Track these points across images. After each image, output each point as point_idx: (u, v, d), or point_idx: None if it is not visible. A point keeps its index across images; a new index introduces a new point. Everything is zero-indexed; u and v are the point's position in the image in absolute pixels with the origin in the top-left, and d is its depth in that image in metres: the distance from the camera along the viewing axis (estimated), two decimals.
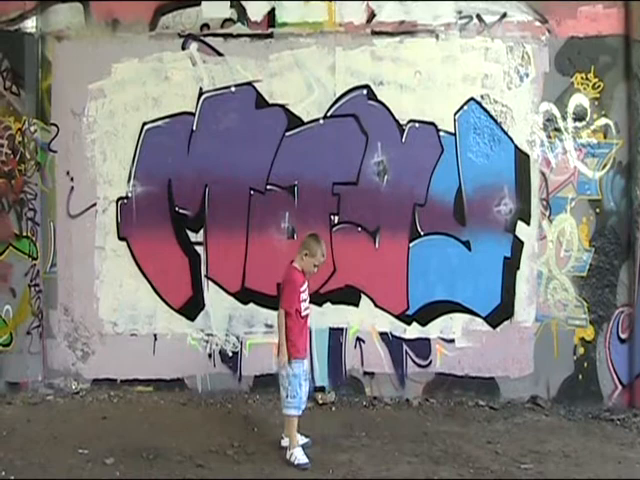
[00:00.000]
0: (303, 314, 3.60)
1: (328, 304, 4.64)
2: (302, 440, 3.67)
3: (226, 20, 4.64)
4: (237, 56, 4.63)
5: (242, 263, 4.64)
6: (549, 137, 4.60)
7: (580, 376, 4.59)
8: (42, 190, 4.72)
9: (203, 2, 4.64)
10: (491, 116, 4.62)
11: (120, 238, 4.69)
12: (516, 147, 4.63)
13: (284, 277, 3.64)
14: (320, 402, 4.46)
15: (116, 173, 4.68)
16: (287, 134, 4.62)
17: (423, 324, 4.68)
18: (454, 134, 4.62)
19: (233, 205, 4.64)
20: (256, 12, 4.64)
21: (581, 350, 4.59)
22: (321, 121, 4.62)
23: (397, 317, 4.69)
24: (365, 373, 4.69)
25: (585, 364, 4.59)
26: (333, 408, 4.49)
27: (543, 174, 4.60)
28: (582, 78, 4.56)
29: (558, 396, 4.61)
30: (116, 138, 4.67)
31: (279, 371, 3.64)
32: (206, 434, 3.95)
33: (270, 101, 4.64)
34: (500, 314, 4.67)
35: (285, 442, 3.66)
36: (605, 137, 4.56)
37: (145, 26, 4.64)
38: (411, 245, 4.64)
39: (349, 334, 4.68)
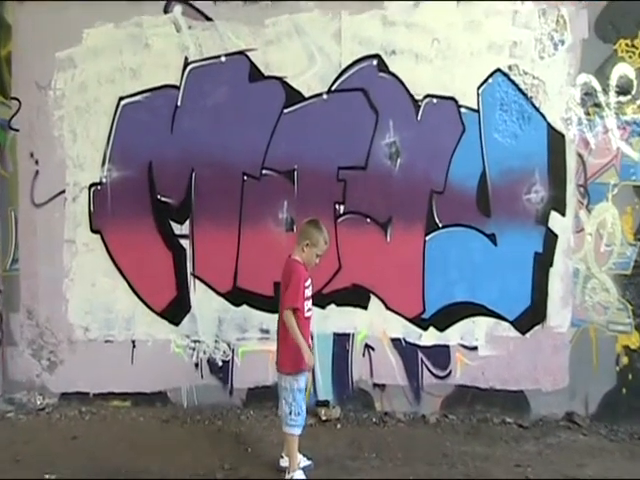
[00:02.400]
0: (306, 315, 3.54)
1: (332, 306, 4.58)
2: (303, 462, 3.62)
3: None
4: (228, 21, 4.57)
5: (234, 259, 4.56)
6: (587, 114, 4.53)
7: (623, 390, 4.54)
8: (1, 175, 4.65)
9: None
10: (520, 90, 4.56)
11: (93, 230, 4.62)
12: (549, 125, 4.57)
13: (286, 272, 3.57)
14: (324, 418, 4.41)
15: (88, 155, 4.60)
16: (285, 111, 4.57)
17: (441, 329, 4.63)
18: (477, 111, 4.57)
19: (223, 192, 4.59)
20: None
21: (624, 360, 4.54)
22: (324, 96, 4.57)
23: (411, 321, 4.63)
24: (375, 385, 4.65)
25: (629, 376, 4.53)
26: (338, 425, 4.44)
27: (580, 156, 4.54)
28: (627, 45, 4.49)
29: (598, 413, 4.56)
30: (88, 115, 4.59)
31: (281, 384, 3.57)
32: (192, 455, 3.91)
33: (266, 73, 4.59)
34: (530, 318, 4.61)
35: (284, 463, 3.61)
36: None
37: None
38: (428, 238, 4.59)
39: (356, 340, 4.64)
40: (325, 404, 4.55)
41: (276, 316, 3.70)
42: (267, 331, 4.51)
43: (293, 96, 4.58)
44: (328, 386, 4.60)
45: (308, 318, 3.55)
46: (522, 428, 4.47)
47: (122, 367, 4.64)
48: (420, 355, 4.63)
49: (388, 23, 4.52)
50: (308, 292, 3.54)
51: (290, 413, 3.55)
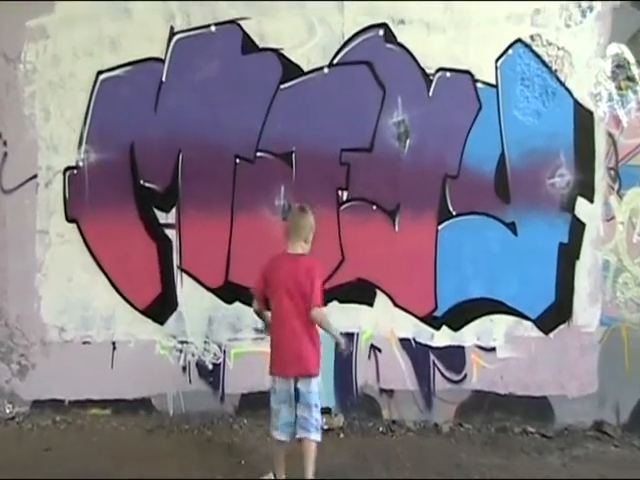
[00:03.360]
0: None
1: (334, 303, 4.49)
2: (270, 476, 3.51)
3: None
4: None
5: (225, 251, 4.48)
6: (619, 88, 4.46)
7: None
8: None
9: None
10: (543, 62, 4.53)
11: (69, 219, 4.50)
12: (576, 102, 4.55)
13: (310, 270, 3.43)
14: (325, 427, 4.27)
15: (63, 136, 4.48)
16: (282, 87, 4.48)
17: (455, 328, 4.58)
18: (495, 86, 4.51)
19: (214, 177, 4.51)
20: None
21: None
22: (325, 70, 4.49)
23: (422, 319, 4.58)
24: (382, 390, 4.59)
25: None
26: (341, 435, 4.37)
27: (611, 136, 4.48)
28: None
29: (630, 422, 4.52)
30: (63, 91, 4.46)
31: (308, 389, 3.43)
32: (179, 468, 3.83)
33: (261, 45, 4.51)
34: (554, 316, 4.58)
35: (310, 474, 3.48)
36: None
37: None
38: (440, 228, 4.54)
39: (361, 341, 4.58)
40: (327, 412, 4.43)
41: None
42: (262, 331, 4.31)
43: (291, 70, 4.50)
44: (330, 392, 4.51)
45: None
46: (545, 438, 4.41)
47: (101, 371, 4.54)
48: (432, 357, 4.57)
49: None
50: None
51: (319, 419, 3.52)
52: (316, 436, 3.53)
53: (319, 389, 3.51)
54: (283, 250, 3.53)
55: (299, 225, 3.52)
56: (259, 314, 3.57)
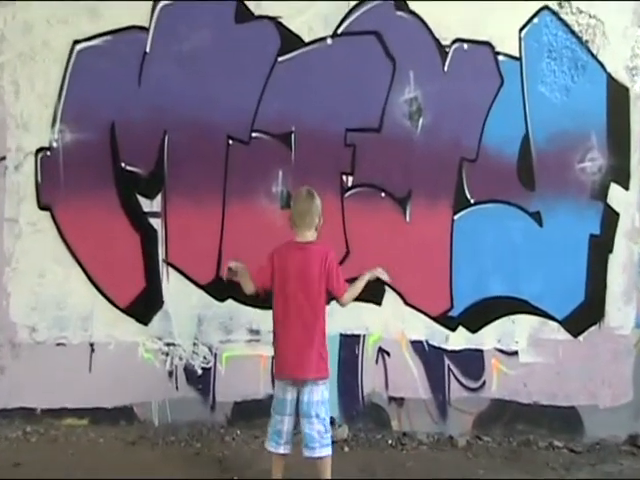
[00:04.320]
0: None
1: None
2: None
3: None
4: None
5: (216, 243, 4.39)
6: None
7: None
8: None
9: None
10: (573, 32, 4.40)
11: (41, 207, 4.35)
12: (609, 76, 4.42)
13: (325, 259, 3.39)
14: None
15: (35, 113, 4.33)
16: (280, 59, 4.36)
17: (473, 330, 4.48)
18: (519, 59, 4.38)
19: (203, 160, 4.39)
20: None
21: None
22: (329, 41, 4.36)
23: (436, 320, 4.48)
24: (391, 399, 4.50)
25: None
26: (346, 448, 4.26)
27: None
28: None
29: None
30: (34, 63, 4.30)
31: (311, 398, 3.34)
32: None
33: (256, 12, 4.38)
34: (584, 317, 4.48)
35: None
36: None
37: None
38: (456, 218, 4.43)
39: (368, 344, 4.49)
40: (330, 422, 3.97)
41: (269, 313, 3.49)
42: (257, 332, 4.34)
43: (290, 41, 4.37)
44: (333, 400, 4.31)
45: None
46: (574, 453, 4.29)
47: (77, 376, 4.43)
48: (447, 362, 4.48)
49: None
50: None
51: (326, 431, 3.41)
52: (323, 451, 3.40)
53: (328, 394, 3.44)
54: (291, 239, 3.44)
55: (308, 212, 3.43)
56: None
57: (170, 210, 4.39)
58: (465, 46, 4.37)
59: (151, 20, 4.31)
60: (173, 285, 4.41)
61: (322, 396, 3.41)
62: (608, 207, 4.43)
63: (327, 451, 3.44)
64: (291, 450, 3.44)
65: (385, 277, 3.63)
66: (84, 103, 4.35)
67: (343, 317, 4.36)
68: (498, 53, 4.38)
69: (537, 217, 4.42)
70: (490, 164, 4.40)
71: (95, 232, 4.40)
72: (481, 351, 4.47)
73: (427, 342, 4.48)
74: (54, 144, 4.34)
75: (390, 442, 4.37)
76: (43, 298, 4.41)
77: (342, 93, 4.37)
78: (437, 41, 4.38)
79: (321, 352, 3.42)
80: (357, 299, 4.20)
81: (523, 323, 4.47)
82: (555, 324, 4.46)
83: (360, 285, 3.51)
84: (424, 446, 4.34)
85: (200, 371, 4.45)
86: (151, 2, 4.33)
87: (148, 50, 4.30)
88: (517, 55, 4.39)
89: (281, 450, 3.43)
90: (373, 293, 4.42)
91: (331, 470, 3.56)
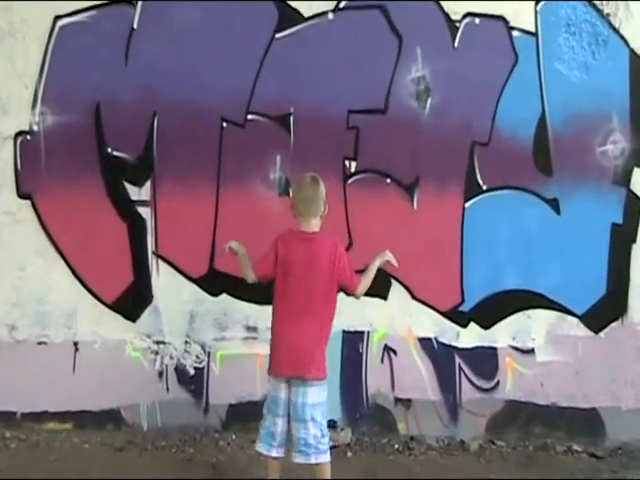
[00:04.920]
0: None
1: (341, 295, 3.95)
2: None
3: None
4: None
5: (210, 233, 4.31)
6: None
7: None
8: None
9: None
10: (593, 5, 4.32)
11: (21, 195, 4.27)
12: (632, 53, 4.33)
13: (334, 251, 3.35)
14: (330, 444, 3.86)
15: (13, 95, 4.24)
16: (278, 36, 4.27)
17: (486, 326, 4.39)
18: (535, 34, 4.29)
19: (196, 144, 4.31)
20: None
21: None
22: (330, 16, 4.27)
23: (446, 315, 4.41)
24: (397, 400, 4.42)
25: None
26: (349, 453, 4.19)
27: None
28: None
29: None
30: (13, 40, 4.20)
31: (306, 400, 3.27)
32: None
33: None
34: (605, 311, 4.40)
35: None
36: None
37: None
38: (467, 205, 4.35)
39: (373, 341, 4.42)
40: (331, 425, 4.17)
41: (267, 309, 3.47)
42: (254, 328, 4.25)
43: (288, 16, 4.27)
44: (335, 402, 4.33)
45: None
46: (595, 458, 4.21)
47: (61, 377, 4.36)
48: (458, 360, 4.41)
49: None
50: None
51: (322, 436, 3.34)
52: (321, 458, 3.33)
53: (325, 396, 3.38)
54: (294, 227, 3.39)
55: (313, 199, 3.37)
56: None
57: (160, 198, 4.34)
58: (477, 21, 4.31)
59: None
60: (163, 279, 4.38)
61: (319, 398, 3.34)
62: (631, 193, 4.38)
63: (325, 458, 3.36)
64: (284, 454, 3.32)
65: (394, 262, 3.55)
66: (67, 83, 4.28)
67: (346, 312, 4.27)
68: (512, 28, 4.32)
69: (554, 204, 4.37)
70: (504, 148, 4.34)
71: (79, 222, 4.34)
72: (494, 349, 4.41)
73: (436, 339, 4.43)
74: (35, 127, 4.26)
75: (396, 447, 4.31)
76: (23, 293, 4.36)
77: (344, 72, 4.29)
78: (447, 15, 4.31)
79: (323, 351, 3.38)
80: None
81: (540, 318, 4.40)
82: (574, 319, 4.41)
83: (372, 274, 3.46)
84: (433, 451, 4.27)
85: (192, 371, 4.42)
86: None
87: (135, 26, 4.25)
88: (533, 30, 4.33)
89: (274, 453, 3.35)
90: (378, 286, 4.28)
91: (333, 476, 3.42)
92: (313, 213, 3.36)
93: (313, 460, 3.33)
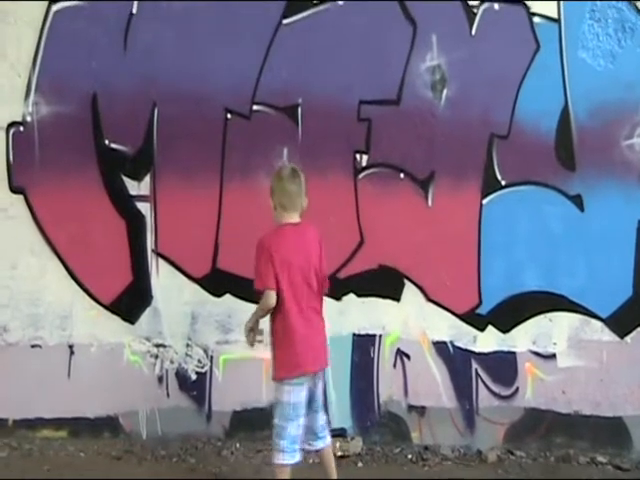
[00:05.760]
0: None
1: (351, 296, 4.31)
2: None
3: None
4: None
5: (213, 230, 4.28)
6: None
7: None
8: None
9: None
10: None
11: (13, 189, 4.23)
12: None
13: (320, 240, 3.44)
14: (339, 454, 4.11)
15: (6, 83, 4.22)
16: (285, 22, 4.20)
17: (505, 330, 4.34)
18: (557, 21, 4.19)
19: (198, 137, 4.26)
20: None
21: None
22: (340, 2, 4.21)
23: (462, 318, 4.36)
24: (411, 408, 4.38)
25: None
26: (360, 463, 4.15)
27: None
28: None
29: None
30: (5, 26, 4.17)
31: (320, 387, 3.38)
32: None
33: None
34: (632, 315, 4.33)
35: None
36: None
37: None
38: (485, 202, 4.29)
39: (385, 345, 4.38)
40: (341, 434, 4.28)
41: None
42: (260, 331, 3.91)
43: (297, 1, 4.20)
44: (345, 409, 4.33)
45: None
46: (620, 470, 4.15)
47: (55, 382, 4.34)
48: (474, 366, 4.36)
49: None
50: None
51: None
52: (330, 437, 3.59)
53: None
54: (280, 226, 3.38)
55: (298, 193, 3.39)
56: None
57: (160, 193, 4.31)
58: (496, 6, 4.23)
59: None
60: (163, 279, 4.36)
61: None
62: None
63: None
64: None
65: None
66: (62, 72, 4.24)
67: (357, 315, 4.36)
68: (533, 14, 4.22)
69: (577, 201, 4.29)
70: (524, 141, 4.27)
71: (75, 218, 4.31)
72: (514, 354, 4.37)
73: (452, 343, 4.39)
74: (28, 118, 4.23)
75: (410, 457, 4.27)
76: (16, 294, 4.35)
77: (355, 61, 4.25)
78: (464, 1, 4.23)
79: (325, 339, 3.46)
80: (373, 294, 4.19)
81: (562, 322, 4.35)
82: (598, 323, 4.34)
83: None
84: (448, 462, 4.23)
85: (194, 376, 4.39)
86: None
87: (135, 11, 4.19)
88: (555, 16, 4.22)
89: (297, 458, 3.37)
90: (391, 287, 4.33)
91: None
92: (298, 207, 3.40)
93: (329, 441, 3.50)
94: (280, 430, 3.35)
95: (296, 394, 3.32)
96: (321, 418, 3.48)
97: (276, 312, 3.35)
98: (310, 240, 3.47)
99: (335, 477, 3.53)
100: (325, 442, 3.50)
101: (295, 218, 3.42)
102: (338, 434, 4.28)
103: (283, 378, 3.33)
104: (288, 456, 3.34)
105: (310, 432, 3.45)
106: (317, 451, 3.57)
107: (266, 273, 3.27)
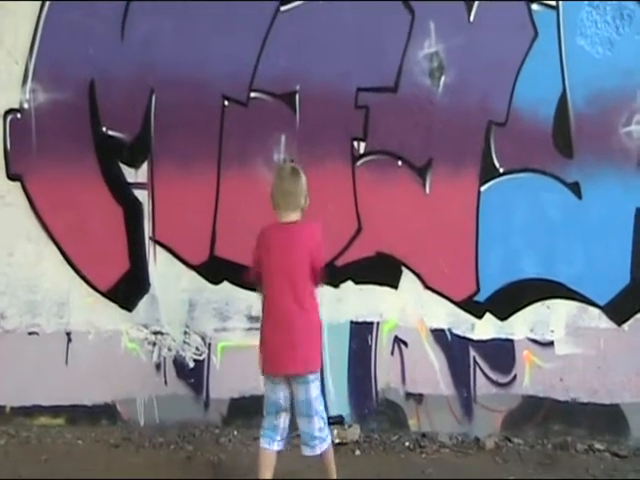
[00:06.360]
0: None
1: (349, 284, 4.32)
2: None
3: None
4: None
5: (210, 218, 4.28)
6: None
7: None
8: None
9: None
10: None
11: (10, 176, 4.24)
12: None
13: (310, 239, 3.32)
14: (336, 441, 4.12)
15: (2, 70, 4.24)
16: (283, 9, 4.21)
17: (502, 317, 4.34)
18: (555, 8, 4.20)
19: (196, 124, 4.26)
20: None
21: None
22: None
23: (460, 305, 4.36)
24: (408, 395, 4.39)
25: None
26: (357, 451, 4.16)
27: None
28: None
29: None
30: (2, 14, 4.13)
31: (308, 395, 3.27)
32: None
33: None
34: (629, 302, 4.32)
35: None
36: None
37: None
38: (483, 189, 4.29)
39: (382, 332, 4.37)
40: (338, 422, 4.31)
41: None
42: (257, 319, 4.04)
43: None
44: (343, 397, 4.34)
45: None
46: (618, 458, 4.14)
47: (52, 370, 4.36)
48: (472, 353, 4.36)
49: None
50: None
51: (324, 424, 3.37)
52: (323, 446, 3.37)
53: (320, 391, 3.39)
54: (276, 221, 3.37)
55: (292, 193, 3.34)
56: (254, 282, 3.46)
57: (157, 180, 4.32)
58: None
59: None
60: (161, 266, 4.37)
61: (318, 389, 3.35)
62: None
63: (327, 444, 3.41)
64: (284, 447, 3.39)
65: None
66: (59, 59, 4.26)
67: (354, 302, 4.35)
68: (532, 1, 4.26)
69: (575, 188, 4.29)
70: (522, 128, 4.27)
71: (72, 206, 4.32)
72: (511, 341, 4.37)
73: (450, 331, 4.39)
74: (25, 105, 4.24)
75: (407, 444, 4.27)
76: (12, 281, 4.36)
77: (353, 48, 4.25)
78: None
79: (315, 341, 3.37)
80: (370, 281, 4.20)
81: (559, 309, 4.34)
82: (596, 310, 4.34)
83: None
84: (446, 449, 4.24)
85: (192, 364, 4.40)
86: None
87: None
88: (553, 4, 4.24)
89: (276, 447, 3.35)
90: (388, 275, 4.33)
91: (340, 475, 3.44)
92: (292, 207, 3.33)
93: (318, 451, 3.37)
94: (264, 414, 3.41)
95: (269, 389, 3.32)
96: (308, 426, 3.35)
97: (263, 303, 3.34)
98: (298, 239, 3.37)
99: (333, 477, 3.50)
100: (313, 451, 3.39)
101: (288, 217, 3.36)
102: (336, 422, 4.26)
103: (263, 371, 3.38)
104: (264, 440, 3.35)
105: (302, 435, 3.40)
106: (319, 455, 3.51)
107: (253, 260, 3.36)
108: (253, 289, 4.27)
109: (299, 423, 3.37)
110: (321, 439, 3.39)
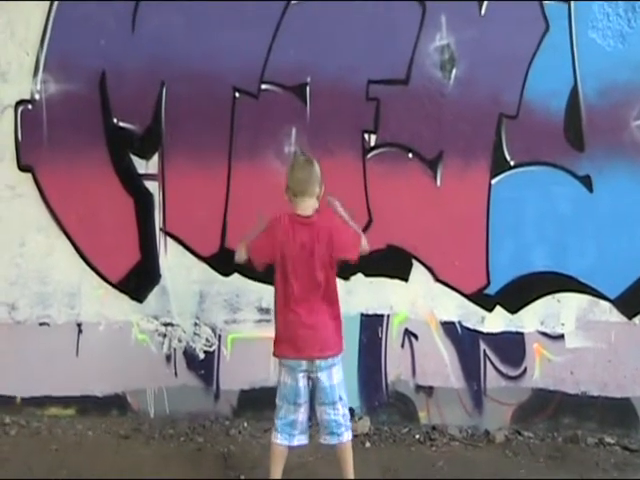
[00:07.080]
0: None
1: (359, 276, 4.31)
2: None
3: None
4: None
5: (221, 209, 4.29)
6: None
7: None
8: None
9: None
10: None
11: (22, 168, 4.23)
12: None
13: (333, 233, 3.32)
14: None
15: (13, 61, 4.20)
16: (294, 1, 4.20)
17: (513, 310, 4.34)
18: (567, 0, 4.16)
19: (207, 116, 4.27)
20: None
21: None
22: None
23: (471, 298, 4.36)
24: (419, 388, 4.41)
25: None
26: (367, 443, 4.17)
27: None
28: None
29: None
30: (14, 4, 4.11)
31: (331, 381, 3.29)
32: None
33: None
34: None
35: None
36: None
37: None
38: (494, 182, 4.28)
39: (393, 325, 4.39)
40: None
41: None
42: (267, 310, 4.20)
43: None
44: (353, 389, 4.30)
45: None
46: (628, 451, 4.14)
47: (63, 361, 4.36)
48: (482, 346, 4.37)
49: None
50: None
51: (347, 413, 3.41)
52: (347, 435, 3.41)
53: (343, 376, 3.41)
54: (291, 212, 3.34)
55: (307, 180, 3.34)
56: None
57: (168, 172, 4.31)
58: None
59: None
60: (171, 257, 4.36)
61: (341, 375, 3.36)
62: None
63: (350, 434, 3.41)
64: (307, 441, 3.34)
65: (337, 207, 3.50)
66: (70, 50, 4.23)
67: (365, 295, 4.37)
68: None
69: (586, 181, 4.26)
70: (533, 121, 4.25)
71: (83, 197, 4.32)
72: (522, 334, 4.36)
73: (460, 324, 4.39)
74: (36, 96, 4.23)
75: (417, 437, 4.28)
76: (24, 272, 4.35)
77: (364, 40, 4.24)
78: None
79: (337, 325, 3.36)
80: (381, 274, 4.22)
81: (570, 303, 4.33)
82: (607, 304, 4.33)
83: (347, 218, 3.47)
84: (456, 442, 4.24)
85: (202, 355, 4.40)
86: None
87: None
88: None
89: (295, 442, 3.34)
90: (399, 267, 4.34)
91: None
92: (309, 194, 3.32)
93: (345, 439, 3.38)
94: (277, 409, 3.37)
95: (287, 376, 3.30)
96: (331, 413, 3.34)
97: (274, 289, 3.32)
98: (321, 235, 3.31)
99: (351, 477, 3.43)
100: (340, 439, 3.38)
101: (305, 205, 3.33)
102: None
103: (276, 356, 3.37)
104: (280, 436, 3.33)
105: (322, 426, 3.39)
106: (334, 446, 3.49)
107: (259, 242, 3.30)
108: (264, 281, 4.23)
109: (322, 412, 3.35)
110: (347, 426, 3.39)
